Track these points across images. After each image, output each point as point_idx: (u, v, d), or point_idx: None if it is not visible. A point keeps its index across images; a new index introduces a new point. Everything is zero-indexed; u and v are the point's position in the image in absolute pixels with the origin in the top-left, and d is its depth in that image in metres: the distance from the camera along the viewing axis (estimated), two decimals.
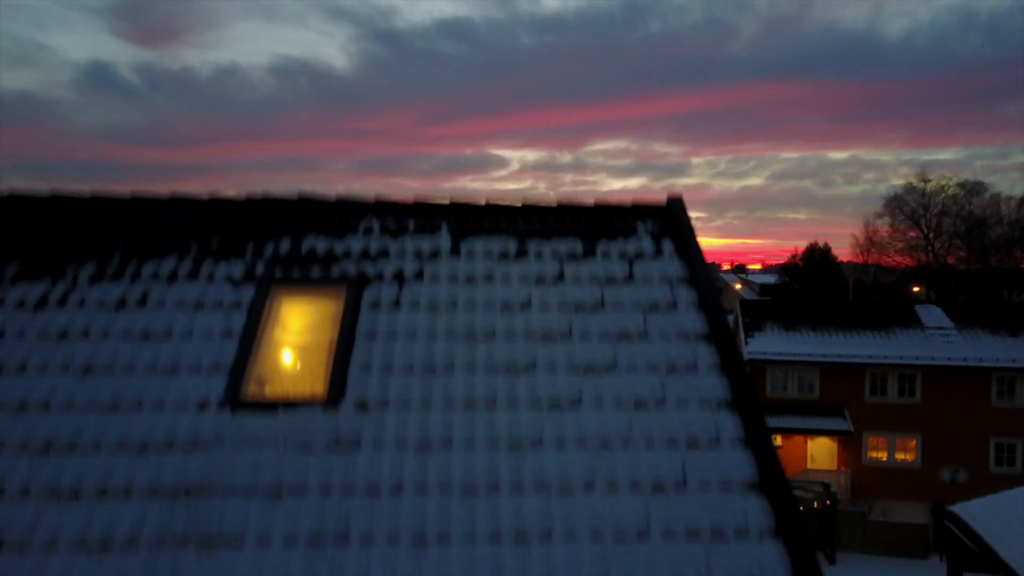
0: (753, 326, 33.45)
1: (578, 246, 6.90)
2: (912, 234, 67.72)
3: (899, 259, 72.89)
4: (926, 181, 65.12)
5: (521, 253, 6.79)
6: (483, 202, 7.35)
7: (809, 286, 74.58)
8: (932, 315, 32.85)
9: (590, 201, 7.42)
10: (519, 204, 7.36)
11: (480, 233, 6.98)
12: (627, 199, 7.41)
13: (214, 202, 7.14)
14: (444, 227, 7.05)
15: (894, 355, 30.30)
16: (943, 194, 66.41)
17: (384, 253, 6.69)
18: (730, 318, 39.98)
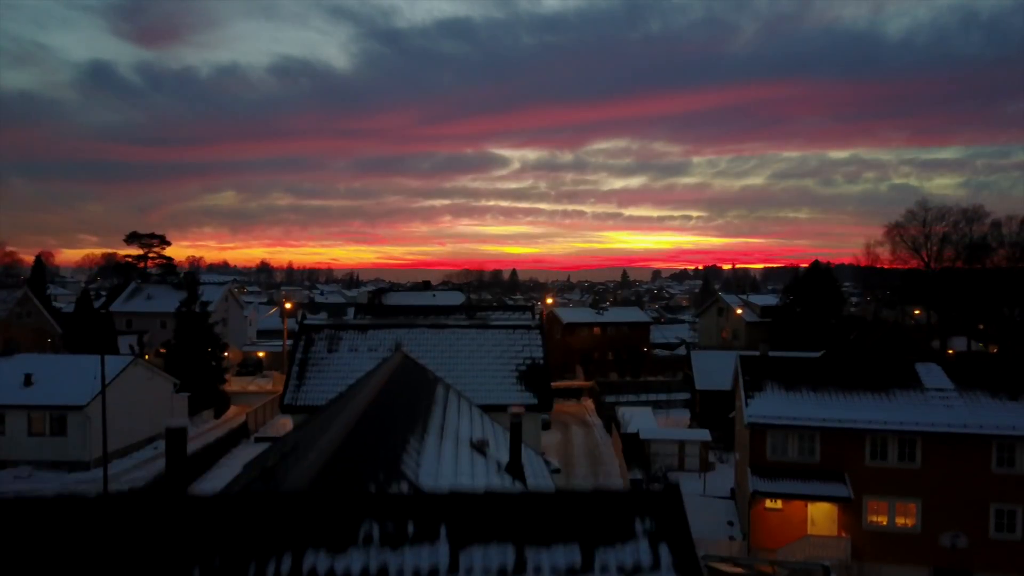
0: (753, 385, 33.47)
1: (576, 557, 6.97)
2: (913, 262, 67.86)
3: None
4: (927, 210, 65.25)
5: (519, 568, 6.85)
6: (482, 493, 7.42)
7: (811, 307, 74.72)
8: (932, 375, 32.85)
9: (588, 489, 7.48)
10: (518, 496, 7.42)
11: (479, 540, 7.04)
12: (624, 492, 7.47)
13: (216, 506, 7.21)
14: (443, 532, 7.11)
15: (894, 420, 30.37)
16: (944, 221, 66.51)
17: (383, 572, 6.76)
18: (730, 371, 39.97)
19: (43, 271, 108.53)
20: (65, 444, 37.77)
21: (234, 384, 65.68)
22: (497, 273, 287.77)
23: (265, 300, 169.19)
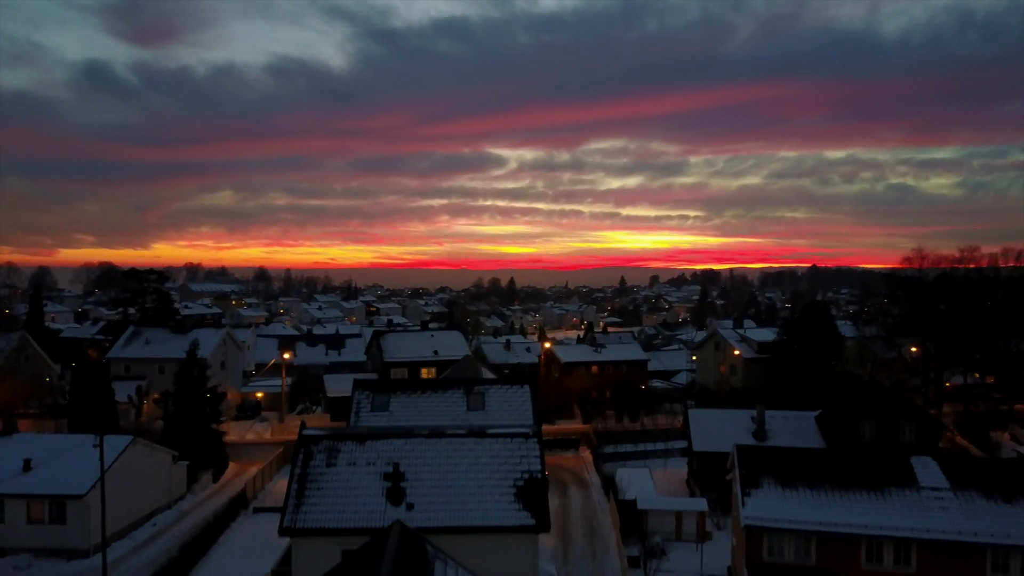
0: (750, 481, 33.64)
1: None
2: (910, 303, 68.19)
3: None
4: (924, 257, 65.55)
5: None
6: None
7: (808, 345, 74.99)
8: (928, 472, 33.06)
9: None
10: None
11: None
12: None
13: None
14: None
15: (890, 526, 30.62)
16: (940, 265, 66.86)
17: None
18: (729, 429, 40.03)
19: (39, 296, 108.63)
20: (64, 532, 37.84)
21: (232, 432, 65.80)
22: (495, 278, 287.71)
23: (264, 315, 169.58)
